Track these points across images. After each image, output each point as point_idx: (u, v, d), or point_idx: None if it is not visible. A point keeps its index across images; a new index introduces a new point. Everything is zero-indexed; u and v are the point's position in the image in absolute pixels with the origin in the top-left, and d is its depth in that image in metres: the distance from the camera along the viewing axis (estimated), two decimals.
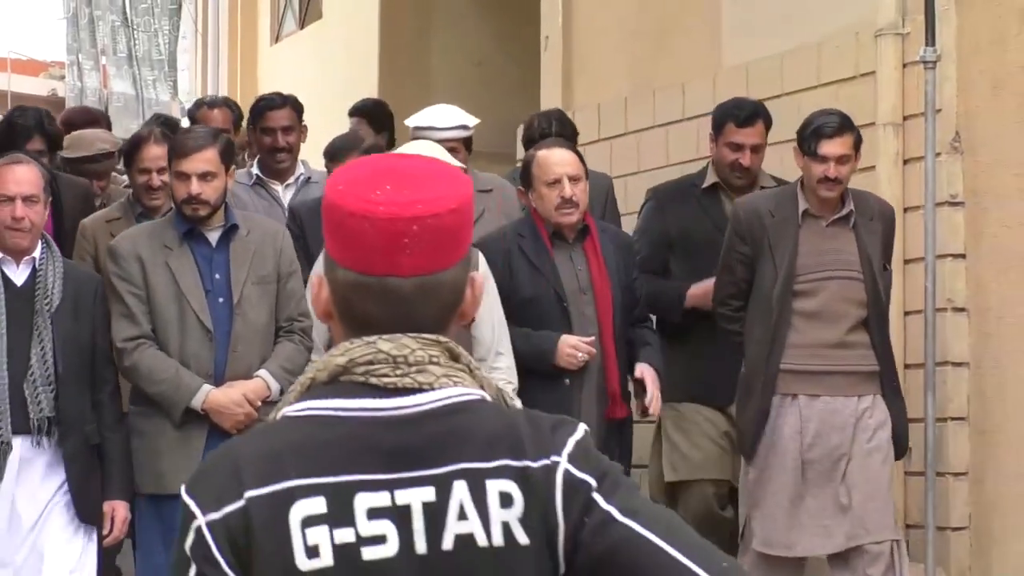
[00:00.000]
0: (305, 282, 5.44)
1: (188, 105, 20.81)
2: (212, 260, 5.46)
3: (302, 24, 16.25)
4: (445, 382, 2.29)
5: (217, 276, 5.44)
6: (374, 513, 2.23)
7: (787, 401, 5.77)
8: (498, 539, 2.23)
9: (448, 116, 6.66)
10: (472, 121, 6.87)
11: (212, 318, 5.39)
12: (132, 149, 6.58)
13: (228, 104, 8.38)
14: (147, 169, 6.33)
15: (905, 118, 7.09)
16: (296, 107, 7.73)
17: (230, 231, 5.48)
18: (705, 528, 6.25)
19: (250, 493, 2.23)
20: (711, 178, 6.67)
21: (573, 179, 5.80)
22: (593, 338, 5.80)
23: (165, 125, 8.24)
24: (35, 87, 24.96)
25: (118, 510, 5.36)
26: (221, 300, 5.42)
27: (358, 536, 2.21)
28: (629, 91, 9.42)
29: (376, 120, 8.71)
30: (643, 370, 5.99)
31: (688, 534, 2.26)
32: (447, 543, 2.23)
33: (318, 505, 2.23)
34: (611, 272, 5.98)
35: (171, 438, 5.33)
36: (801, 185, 5.94)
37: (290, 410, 2.32)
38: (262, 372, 5.40)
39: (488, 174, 7.41)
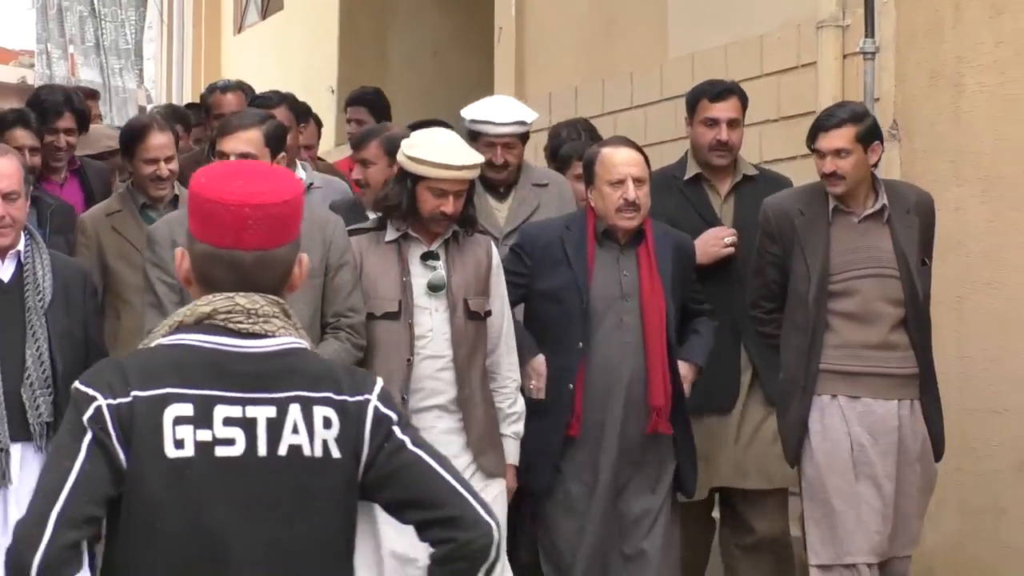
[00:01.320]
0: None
1: (153, 92, 20.92)
2: None
3: (264, 15, 16.26)
4: (283, 332, 2.94)
5: None
6: (228, 421, 2.84)
7: (828, 401, 5.39)
8: (319, 451, 2.88)
9: (506, 112, 6.08)
10: (531, 116, 6.30)
11: None
12: (133, 138, 5.94)
13: (242, 87, 7.83)
14: (154, 159, 5.78)
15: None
16: (293, 107, 7.13)
17: None
18: (696, 530, 6.15)
19: (135, 393, 2.82)
20: (692, 168, 6.19)
21: (638, 181, 5.38)
22: (539, 385, 5.46)
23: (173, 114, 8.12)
24: (5, 75, 24.62)
25: None
26: None
27: (214, 437, 2.82)
28: (579, 80, 9.43)
29: (377, 109, 8.52)
30: (682, 368, 5.56)
31: (457, 470, 2.98)
32: (282, 450, 2.86)
33: (187, 409, 2.84)
34: (665, 280, 5.49)
35: None
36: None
37: (164, 340, 2.95)
38: None
39: (544, 168, 6.88)
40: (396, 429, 2.96)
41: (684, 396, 5.52)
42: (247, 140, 4.93)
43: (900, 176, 6.66)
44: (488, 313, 5.22)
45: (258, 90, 7.94)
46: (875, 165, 5.52)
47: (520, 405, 5.33)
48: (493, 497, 5.03)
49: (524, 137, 6.21)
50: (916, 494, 5.41)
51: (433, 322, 5.12)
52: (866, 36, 6.92)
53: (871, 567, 5.29)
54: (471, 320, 5.17)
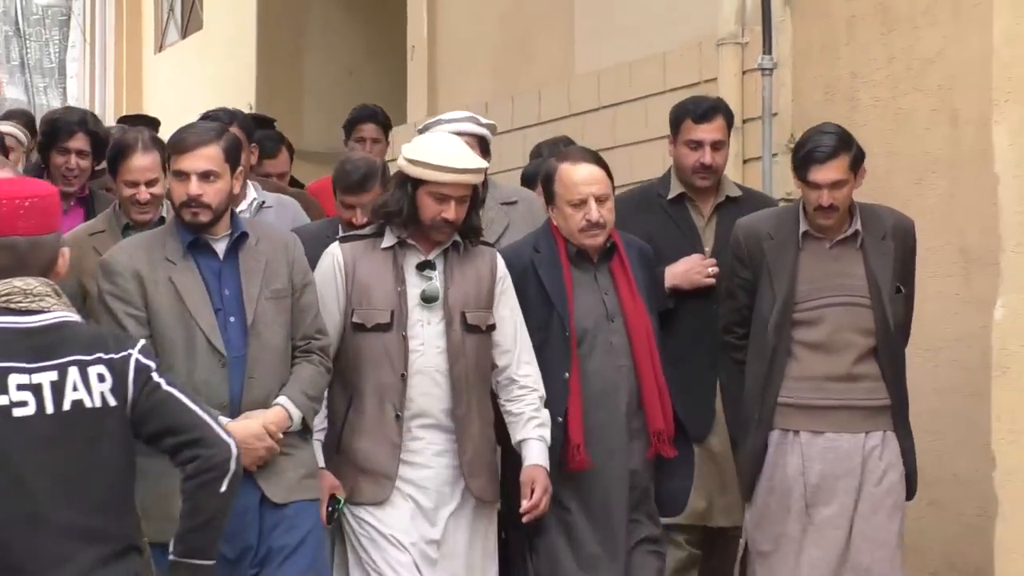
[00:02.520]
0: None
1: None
2: (221, 274, 4.51)
3: (184, 34, 16.19)
4: (57, 307, 3.44)
5: (227, 292, 4.50)
6: (20, 387, 3.34)
7: (788, 438, 5.03)
8: (98, 403, 3.42)
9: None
10: (484, 119, 5.78)
11: (224, 340, 4.44)
12: (116, 157, 5.33)
13: (236, 118, 6.76)
14: (134, 181, 5.17)
15: (744, 121, 7.07)
16: (243, 126, 6.61)
17: (239, 240, 4.56)
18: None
19: None
20: (676, 188, 5.75)
21: (600, 199, 4.92)
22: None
23: (149, 125, 7.76)
24: None
25: None
26: (233, 319, 4.48)
27: (10, 401, 3.33)
28: (490, 97, 9.41)
29: (388, 126, 8.09)
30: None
31: (202, 403, 3.59)
32: (66, 406, 3.38)
33: None
34: (642, 294, 5.11)
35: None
36: (803, 206, 5.19)
37: None
38: (282, 399, 4.49)
39: (513, 185, 6.39)
40: (154, 375, 3.53)
41: (678, 415, 5.12)
42: (207, 157, 4.48)
43: (796, 189, 6.67)
44: (491, 327, 4.86)
45: (178, 107, 7.86)
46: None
47: (545, 415, 4.87)
48: (484, 531, 4.88)
49: (482, 143, 5.61)
50: (886, 524, 5.01)
51: (426, 335, 4.76)
52: (764, 53, 7.00)
53: None
54: (470, 334, 4.80)
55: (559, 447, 4.88)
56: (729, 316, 5.32)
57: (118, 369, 3.48)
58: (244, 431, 4.28)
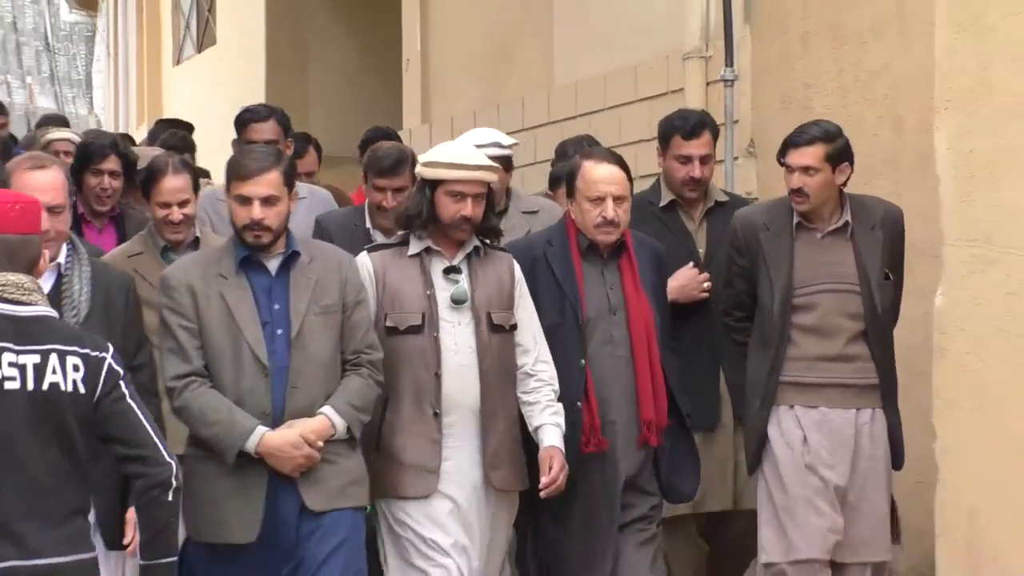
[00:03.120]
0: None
1: (103, 117, 20.70)
2: (271, 290, 4.35)
3: (199, 48, 16.10)
4: (41, 303, 3.66)
5: (276, 306, 4.33)
6: (11, 364, 3.56)
7: (785, 412, 4.95)
8: (71, 387, 3.62)
9: (483, 135, 5.17)
10: (507, 140, 5.53)
11: (268, 352, 4.27)
12: (149, 180, 5.18)
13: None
14: (166, 203, 4.98)
15: None
16: (281, 121, 6.45)
17: (291, 258, 4.40)
18: (687, 557, 5.66)
19: None
20: (667, 196, 5.59)
21: (617, 199, 4.78)
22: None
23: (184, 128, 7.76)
24: None
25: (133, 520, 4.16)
26: (280, 332, 4.31)
27: (3, 376, 3.56)
28: (477, 106, 9.42)
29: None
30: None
31: (154, 423, 3.75)
32: (45, 385, 3.59)
33: None
34: (648, 290, 4.95)
35: (229, 484, 4.25)
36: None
37: None
38: (326, 409, 4.30)
39: (534, 196, 6.14)
40: (122, 383, 3.72)
41: (680, 406, 4.99)
42: (269, 183, 4.31)
43: (756, 189, 6.66)
44: (513, 327, 4.73)
45: (194, 114, 7.74)
46: (844, 184, 5.08)
47: (559, 406, 4.72)
48: (506, 521, 4.77)
49: (504, 162, 5.36)
50: (874, 499, 4.96)
51: (458, 335, 4.61)
52: (726, 66, 6.98)
53: (823, 565, 4.92)
54: (495, 333, 4.65)
55: (578, 430, 4.74)
56: (728, 301, 5.24)
57: (92, 366, 3.69)
58: (281, 440, 4.21)
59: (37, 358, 3.67)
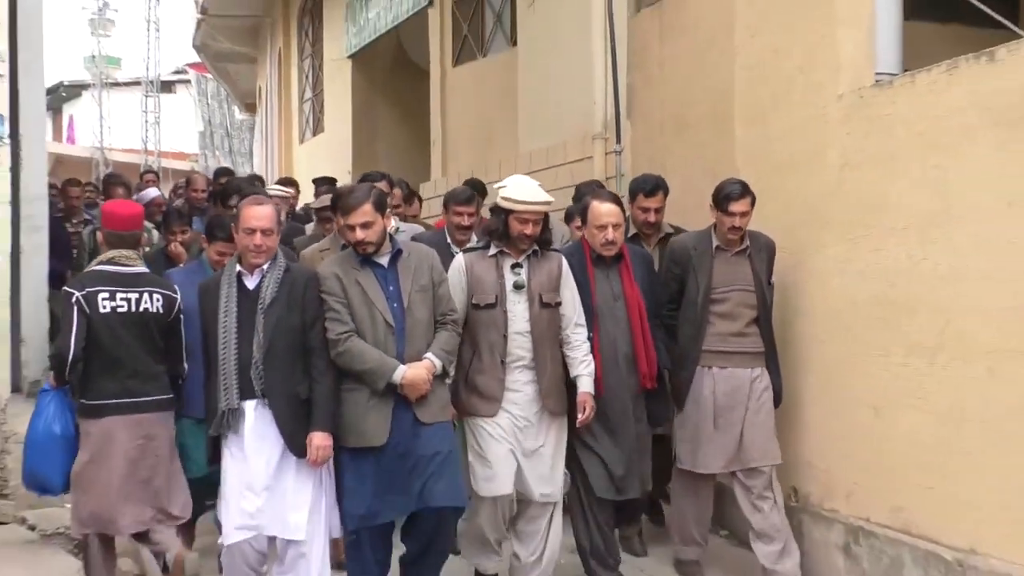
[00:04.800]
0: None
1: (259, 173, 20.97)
2: (386, 277, 4.05)
3: (314, 133, 16.05)
4: (139, 265, 4.16)
5: (391, 288, 4.05)
6: (122, 299, 4.05)
7: (706, 371, 4.70)
8: (155, 310, 4.13)
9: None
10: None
11: (393, 317, 4.01)
12: (337, 204, 4.44)
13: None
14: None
15: (607, 178, 7.08)
16: (390, 180, 5.99)
17: (396, 255, 4.10)
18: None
19: (82, 292, 4.05)
20: (632, 230, 5.31)
21: (615, 226, 4.54)
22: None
23: (330, 182, 7.53)
24: (183, 166, 25.02)
25: (313, 439, 3.88)
26: (396, 304, 4.02)
27: (115, 305, 4.03)
28: (475, 166, 9.35)
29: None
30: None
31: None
32: (142, 309, 4.09)
33: (105, 294, 4.07)
34: (641, 285, 4.69)
35: (367, 406, 3.96)
36: (714, 228, 4.77)
37: (94, 267, 4.16)
38: (430, 355, 4.04)
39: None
40: (180, 314, 4.23)
41: (659, 362, 4.72)
42: (363, 213, 3.99)
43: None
44: (558, 303, 4.43)
45: (312, 173, 7.71)
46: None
47: (591, 359, 4.47)
48: (558, 431, 4.45)
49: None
50: (762, 425, 4.68)
51: (518, 310, 4.33)
52: (616, 143, 7.03)
53: (735, 475, 4.71)
54: (544, 308, 4.37)
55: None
56: (665, 296, 4.88)
57: (169, 301, 4.24)
58: (416, 375, 3.95)
59: (136, 295, 4.15)
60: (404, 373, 3.94)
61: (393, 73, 13.66)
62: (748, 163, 5.51)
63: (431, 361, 4.03)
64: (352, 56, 13.64)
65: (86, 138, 29.01)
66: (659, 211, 5.34)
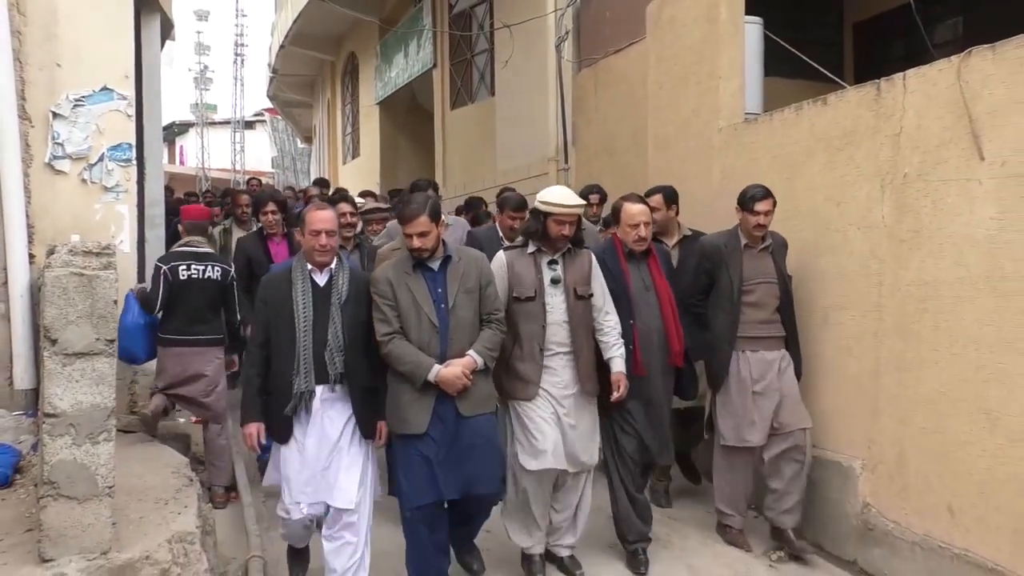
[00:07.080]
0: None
1: (315, 190, 20.59)
2: (436, 280, 3.31)
3: (353, 156, 15.87)
4: (207, 247, 4.14)
5: (440, 290, 3.31)
6: (194, 269, 4.04)
7: (740, 355, 3.93)
8: (216, 278, 4.09)
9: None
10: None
11: (438, 317, 3.28)
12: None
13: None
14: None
15: None
16: (435, 187, 5.15)
17: (447, 260, 3.35)
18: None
19: (167, 265, 4.06)
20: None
21: (645, 224, 3.79)
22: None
23: (374, 196, 6.63)
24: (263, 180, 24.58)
25: (383, 427, 3.32)
26: (443, 306, 3.28)
27: (190, 274, 4.04)
28: (467, 180, 9.25)
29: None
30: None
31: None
32: (206, 276, 4.05)
33: (183, 266, 4.07)
34: (667, 276, 3.94)
35: (412, 398, 3.26)
36: (740, 227, 4.01)
37: (176, 248, 4.16)
38: (471, 352, 3.29)
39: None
40: (234, 284, 4.18)
41: (685, 343, 3.92)
42: (420, 223, 3.27)
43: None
44: (591, 295, 3.67)
45: (353, 188, 7.37)
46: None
47: (621, 342, 3.69)
48: (591, 411, 3.66)
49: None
50: (791, 395, 3.91)
51: (555, 302, 3.57)
52: (565, 163, 6.95)
53: (760, 448, 3.92)
54: (579, 300, 3.59)
55: (630, 363, 3.71)
56: (695, 287, 4.06)
57: (226, 272, 4.22)
58: (450, 373, 3.22)
59: (203, 266, 4.16)
60: (438, 373, 3.25)
61: (409, 115, 13.50)
62: (657, 178, 5.48)
63: (472, 358, 3.29)
64: (379, 103, 13.52)
65: (192, 161, 29.46)
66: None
